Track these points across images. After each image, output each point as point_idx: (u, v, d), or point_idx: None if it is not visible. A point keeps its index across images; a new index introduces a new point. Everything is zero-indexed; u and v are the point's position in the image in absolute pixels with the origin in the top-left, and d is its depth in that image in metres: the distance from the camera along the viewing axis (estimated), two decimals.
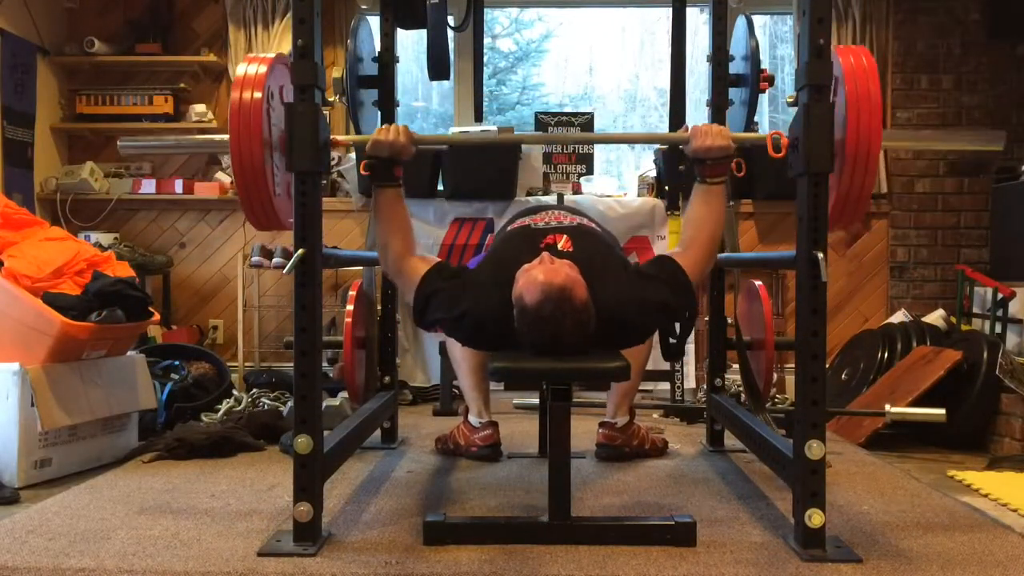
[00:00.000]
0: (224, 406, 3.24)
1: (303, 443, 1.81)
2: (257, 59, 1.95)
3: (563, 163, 4.26)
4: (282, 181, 1.98)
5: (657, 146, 4.17)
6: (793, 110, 1.87)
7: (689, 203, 2.17)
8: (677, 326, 2.57)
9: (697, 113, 3.86)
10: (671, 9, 3.02)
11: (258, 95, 1.88)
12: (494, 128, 3.93)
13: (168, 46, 4.34)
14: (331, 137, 2.00)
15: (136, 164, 4.41)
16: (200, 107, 4.29)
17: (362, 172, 2.21)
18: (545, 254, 2.03)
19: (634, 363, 2.21)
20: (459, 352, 2.62)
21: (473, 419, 2.69)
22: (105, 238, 4.05)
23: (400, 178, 2.14)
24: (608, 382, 2.54)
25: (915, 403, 2.91)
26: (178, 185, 4.26)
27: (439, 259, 2.16)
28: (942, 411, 2.76)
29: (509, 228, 2.37)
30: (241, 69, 1.93)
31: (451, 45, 3.44)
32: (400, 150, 2.08)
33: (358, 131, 2.64)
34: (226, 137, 1.89)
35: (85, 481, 2.40)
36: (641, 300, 2.04)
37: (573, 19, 5.27)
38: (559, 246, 2.14)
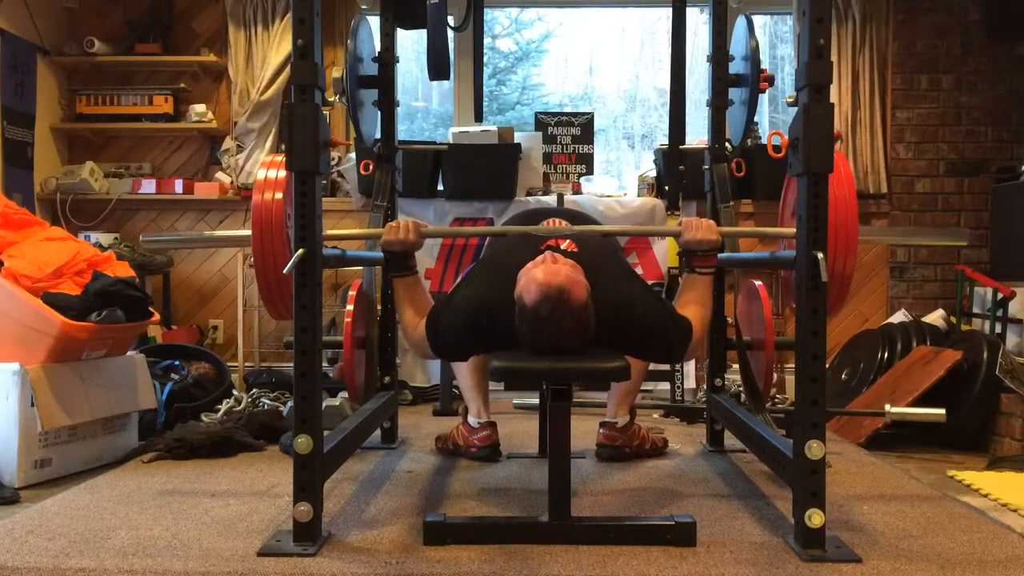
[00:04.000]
0: (224, 406, 3.24)
1: (303, 443, 1.81)
2: (277, 164, 2.13)
3: (563, 163, 4.26)
4: None
5: (657, 145, 4.17)
6: (793, 110, 1.88)
7: (679, 292, 2.22)
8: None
9: (698, 112, 3.87)
10: (671, 9, 3.02)
11: (279, 195, 2.08)
12: (494, 128, 3.93)
13: (168, 46, 4.33)
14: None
15: (136, 164, 4.41)
16: (200, 107, 4.28)
17: (362, 171, 2.24)
18: (548, 253, 2.03)
19: (635, 363, 2.21)
20: None
21: (472, 419, 2.69)
22: (105, 238, 4.05)
23: (414, 267, 2.23)
24: (608, 382, 2.54)
25: (915, 403, 2.91)
26: (178, 185, 4.25)
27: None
28: (942, 411, 2.76)
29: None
30: (262, 174, 2.14)
31: (451, 45, 3.44)
32: (410, 246, 2.18)
33: (358, 131, 2.64)
34: (249, 233, 2.10)
35: (85, 481, 2.40)
36: (644, 308, 2.06)
37: (573, 19, 5.27)
38: (563, 247, 2.14)
